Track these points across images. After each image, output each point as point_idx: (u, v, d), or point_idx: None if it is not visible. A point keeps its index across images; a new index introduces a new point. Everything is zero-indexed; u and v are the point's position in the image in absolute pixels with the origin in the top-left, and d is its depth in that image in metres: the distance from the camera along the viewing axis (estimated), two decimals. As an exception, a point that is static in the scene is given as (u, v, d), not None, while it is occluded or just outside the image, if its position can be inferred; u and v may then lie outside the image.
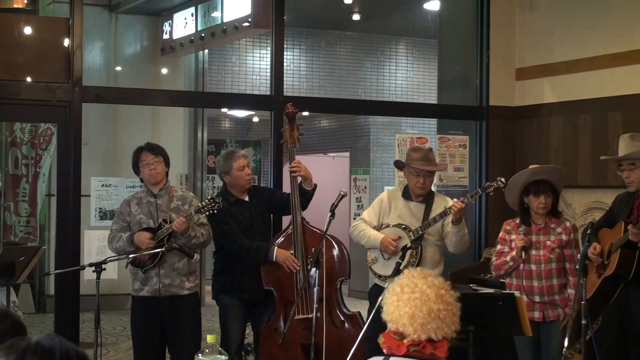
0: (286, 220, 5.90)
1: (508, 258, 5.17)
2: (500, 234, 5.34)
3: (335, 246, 5.51)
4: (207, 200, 5.25)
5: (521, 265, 5.15)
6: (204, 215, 5.30)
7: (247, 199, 5.69)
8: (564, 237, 5.18)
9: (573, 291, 5.11)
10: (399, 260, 5.29)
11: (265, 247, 5.49)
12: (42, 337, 1.74)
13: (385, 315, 2.87)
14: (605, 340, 5.06)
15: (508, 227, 5.29)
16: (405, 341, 2.80)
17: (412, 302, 2.79)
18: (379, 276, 5.49)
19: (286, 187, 6.10)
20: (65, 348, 1.72)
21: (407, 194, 5.54)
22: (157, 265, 5.26)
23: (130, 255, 5.19)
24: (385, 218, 5.55)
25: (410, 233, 5.39)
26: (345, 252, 5.52)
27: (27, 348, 1.70)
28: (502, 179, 5.32)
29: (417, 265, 5.36)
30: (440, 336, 2.78)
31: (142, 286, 5.32)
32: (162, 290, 5.28)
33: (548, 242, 5.17)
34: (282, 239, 5.56)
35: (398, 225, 5.46)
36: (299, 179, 5.58)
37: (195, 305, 5.48)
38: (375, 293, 5.49)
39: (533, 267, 5.15)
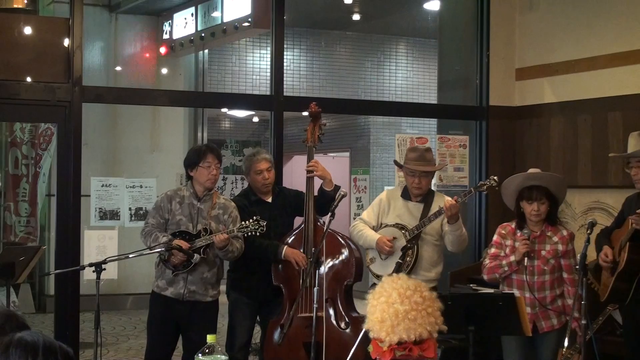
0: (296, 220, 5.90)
1: (504, 262, 4.98)
2: (495, 238, 5.15)
3: (346, 247, 5.48)
4: (251, 221, 5.19)
5: (513, 275, 4.99)
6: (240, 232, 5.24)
7: (269, 200, 5.67)
8: (560, 246, 4.99)
9: (571, 302, 4.97)
10: (399, 261, 5.30)
11: (275, 245, 5.48)
12: (23, 333, 1.77)
13: (365, 325, 2.91)
14: (629, 341, 5.06)
15: (503, 232, 5.10)
16: (385, 348, 2.81)
17: (379, 306, 2.85)
18: (377, 276, 5.47)
19: (294, 186, 6.12)
20: (48, 342, 1.76)
21: (406, 194, 5.53)
22: (188, 272, 5.24)
23: (131, 256, 5.17)
24: (384, 218, 5.53)
25: (406, 232, 5.38)
26: (354, 254, 5.47)
27: (10, 343, 1.73)
28: (495, 178, 5.25)
29: (414, 265, 5.35)
30: (413, 337, 2.79)
31: (167, 286, 5.28)
32: (186, 295, 5.26)
33: (543, 252, 4.99)
34: (293, 237, 5.56)
35: (395, 225, 5.45)
36: (316, 179, 5.58)
37: (214, 310, 5.44)
38: None
39: (526, 278, 4.95)
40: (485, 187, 5.27)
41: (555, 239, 5.02)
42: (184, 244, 5.16)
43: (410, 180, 5.45)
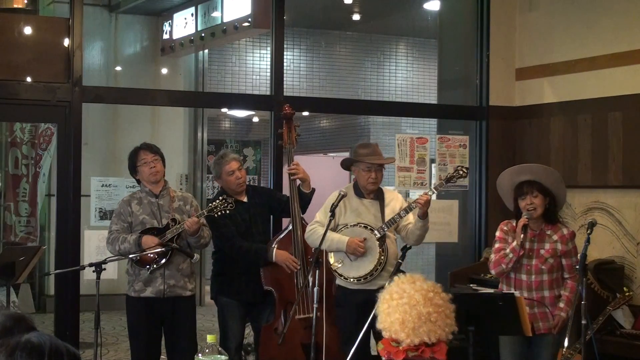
0: (285, 221, 5.90)
1: (507, 250, 4.91)
2: (498, 234, 5.11)
3: None
4: (219, 200, 5.24)
5: (512, 275, 4.96)
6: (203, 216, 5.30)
7: (245, 199, 5.68)
8: (559, 246, 4.93)
9: (567, 293, 4.93)
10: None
11: (264, 249, 5.48)
12: (31, 334, 1.76)
13: (378, 324, 2.89)
14: None
15: (505, 228, 5.06)
16: (401, 347, 2.81)
17: (401, 307, 2.83)
18: (354, 278, 5.29)
19: (286, 189, 6.11)
20: (55, 344, 1.75)
21: (358, 192, 5.41)
22: (164, 266, 5.24)
23: (130, 256, 5.17)
24: (342, 218, 5.37)
25: (376, 232, 5.27)
26: None
27: (16, 345, 1.73)
28: (464, 168, 5.29)
29: (385, 263, 5.28)
30: (434, 339, 2.80)
31: (145, 287, 5.27)
32: (167, 290, 5.26)
33: (542, 251, 4.95)
34: (280, 239, 5.55)
35: (359, 225, 5.33)
36: (298, 181, 5.58)
37: (194, 306, 5.50)
38: (341, 295, 5.35)
39: (523, 277, 4.93)
40: (455, 178, 5.28)
41: (555, 237, 4.97)
42: (153, 239, 5.20)
43: (366, 175, 5.33)
